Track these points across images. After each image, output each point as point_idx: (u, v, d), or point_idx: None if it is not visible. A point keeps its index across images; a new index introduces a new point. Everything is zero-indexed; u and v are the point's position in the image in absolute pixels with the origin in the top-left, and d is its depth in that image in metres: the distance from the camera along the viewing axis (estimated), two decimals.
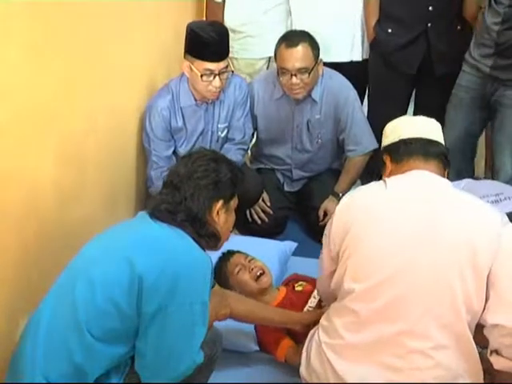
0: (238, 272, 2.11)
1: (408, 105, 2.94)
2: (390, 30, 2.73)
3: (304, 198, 2.85)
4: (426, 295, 1.44)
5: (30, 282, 1.79)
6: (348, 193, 1.71)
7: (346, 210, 1.58)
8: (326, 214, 2.66)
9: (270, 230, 2.70)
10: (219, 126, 2.62)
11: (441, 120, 2.70)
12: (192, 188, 1.57)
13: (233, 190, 1.64)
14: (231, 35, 2.94)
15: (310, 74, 2.51)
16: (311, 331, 1.68)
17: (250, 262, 2.18)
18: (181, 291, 1.45)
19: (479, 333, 1.50)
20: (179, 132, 2.56)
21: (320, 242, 1.71)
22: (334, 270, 1.60)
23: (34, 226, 1.79)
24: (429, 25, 2.65)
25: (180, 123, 2.54)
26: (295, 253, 2.48)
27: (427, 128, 1.67)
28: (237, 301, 1.82)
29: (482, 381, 1.51)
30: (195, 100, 2.52)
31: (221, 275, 2.08)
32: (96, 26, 2.05)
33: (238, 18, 2.98)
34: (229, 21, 2.97)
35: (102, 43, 2.12)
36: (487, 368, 1.52)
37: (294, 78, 2.51)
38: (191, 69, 2.41)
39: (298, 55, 2.49)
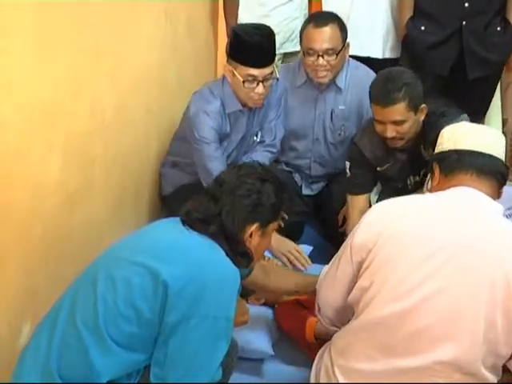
0: None
1: None
2: (423, 28, 2.64)
3: (323, 202, 2.76)
4: (450, 332, 1.33)
5: (34, 288, 1.73)
6: (378, 203, 1.58)
7: (375, 221, 1.45)
8: (344, 220, 2.58)
9: (286, 236, 2.55)
10: (255, 129, 2.53)
11: None
12: (230, 204, 1.52)
13: (274, 214, 1.59)
14: None
15: (337, 55, 2.44)
16: (321, 349, 1.60)
17: (268, 261, 2.18)
18: (206, 303, 1.40)
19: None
20: (226, 138, 2.46)
21: (339, 248, 1.61)
22: (351, 284, 1.50)
23: (38, 229, 1.73)
24: (463, 23, 2.55)
25: (228, 129, 2.43)
26: (311, 258, 2.39)
27: (487, 139, 1.51)
28: (282, 277, 1.94)
29: None
30: (242, 106, 2.40)
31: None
32: (104, 21, 1.99)
33: (252, 13, 2.93)
34: (242, 15, 2.93)
35: (111, 39, 2.06)
36: None
37: (320, 58, 2.44)
38: (233, 74, 2.29)
39: (326, 35, 2.42)
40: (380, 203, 1.54)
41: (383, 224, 1.43)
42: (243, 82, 2.26)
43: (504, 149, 1.53)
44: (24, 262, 1.68)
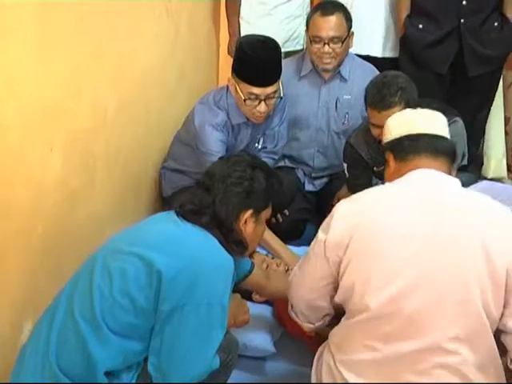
0: (267, 267, 2.11)
1: None
2: (420, 26, 2.64)
3: (325, 198, 2.75)
4: (447, 307, 1.35)
5: (35, 286, 1.74)
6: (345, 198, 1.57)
7: (346, 216, 1.45)
8: None
9: (287, 234, 2.57)
10: (257, 136, 2.51)
11: (478, 123, 2.52)
12: (222, 193, 1.53)
13: (266, 201, 1.60)
14: (246, 28, 2.89)
15: (342, 43, 2.49)
16: (319, 349, 1.59)
17: (272, 258, 2.20)
18: (200, 291, 1.42)
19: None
20: (231, 149, 2.44)
21: None
22: (325, 279, 1.49)
23: (39, 228, 1.73)
24: (462, 21, 2.55)
25: (232, 140, 2.42)
26: None
27: (433, 122, 1.55)
28: (282, 282, 1.85)
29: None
30: (247, 119, 2.37)
31: None
32: (105, 20, 1.99)
33: (254, 11, 2.93)
34: (244, 14, 2.92)
35: (112, 38, 2.06)
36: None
37: (326, 46, 2.49)
38: (236, 89, 2.25)
39: (332, 24, 2.48)
40: (346, 199, 1.53)
41: (355, 217, 1.43)
42: (244, 100, 2.23)
43: (447, 126, 1.58)
44: (25, 261, 1.68)
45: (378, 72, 2.57)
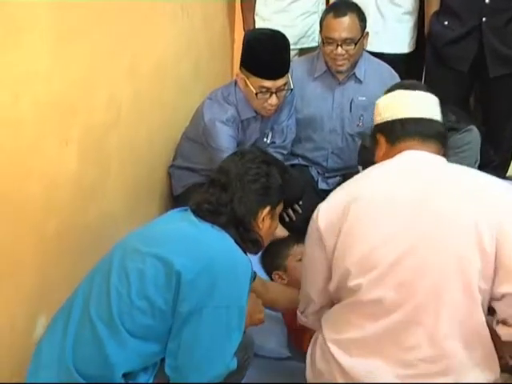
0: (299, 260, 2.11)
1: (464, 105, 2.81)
2: (446, 23, 2.64)
3: None
4: (435, 280, 1.36)
5: (49, 281, 1.73)
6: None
7: (336, 204, 1.47)
8: None
9: (300, 231, 2.58)
10: (265, 131, 2.52)
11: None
12: (240, 191, 1.53)
13: (281, 196, 1.61)
14: (261, 24, 2.89)
15: (355, 45, 2.46)
16: (314, 335, 1.59)
17: None
18: (218, 293, 1.41)
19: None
20: (240, 144, 2.45)
21: None
22: (328, 276, 1.50)
23: (53, 224, 1.73)
24: (483, 19, 2.53)
25: (241, 135, 2.42)
26: None
27: (424, 105, 1.55)
28: (279, 292, 1.90)
29: (496, 369, 1.41)
30: (256, 113, 2.38)
31: (277, 255, 2.12)
32: (121, 15, 1.99)
33: (270, 7, 2.93)
34: (260, 10, 2.91)
35: (127, 34, 2.06)
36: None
37: (339, 48, 2.46)
38: (246, 83, 2.26)
39: (345, 25, 2.44)
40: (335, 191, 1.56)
41: (345, 205, 1.44)
42: (256, 93, 2.23)
43: (439, 109, 1.56)
44: (39, 254, 1.68)
45: (394, 73, 2.56)
